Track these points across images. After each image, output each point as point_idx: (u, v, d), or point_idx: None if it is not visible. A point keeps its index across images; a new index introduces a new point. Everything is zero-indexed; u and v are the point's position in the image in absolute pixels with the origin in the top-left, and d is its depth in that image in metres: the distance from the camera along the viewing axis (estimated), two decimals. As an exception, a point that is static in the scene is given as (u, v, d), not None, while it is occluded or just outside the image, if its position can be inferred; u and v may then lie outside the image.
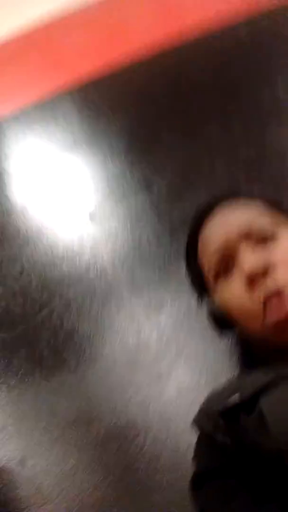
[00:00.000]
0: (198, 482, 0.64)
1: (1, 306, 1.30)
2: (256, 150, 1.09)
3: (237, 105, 1.17)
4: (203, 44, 1.28)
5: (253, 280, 0.68)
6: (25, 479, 1.00)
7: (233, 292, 0.72)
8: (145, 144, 1.35)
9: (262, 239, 0.72)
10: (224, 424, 0.63)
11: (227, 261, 0.74)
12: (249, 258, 0.69)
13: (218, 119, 1.20)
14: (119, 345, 1.10)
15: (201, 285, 0.82)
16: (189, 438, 0.73)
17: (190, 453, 0.71)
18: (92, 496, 0.93)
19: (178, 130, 1.28)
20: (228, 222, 0.76)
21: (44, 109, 1.61)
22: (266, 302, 0.66)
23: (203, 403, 0.70)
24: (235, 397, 0.63)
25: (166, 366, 1.01)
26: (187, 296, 1.08)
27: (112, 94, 1.48)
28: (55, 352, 1.18)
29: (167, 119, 1.31)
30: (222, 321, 0.77)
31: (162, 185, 1.26)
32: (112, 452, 0.96)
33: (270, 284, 0.67)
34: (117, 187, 1.35)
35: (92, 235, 1.31)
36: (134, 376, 1.03)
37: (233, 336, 0.85)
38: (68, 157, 1.49)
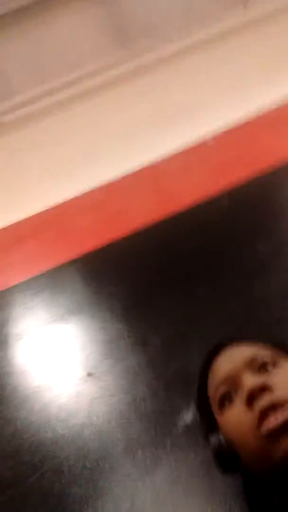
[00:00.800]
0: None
1: (-10, 468, 1.25)
2: (244, 302, 1.20)
3: (223, 265, 1.33)
4: (190, 216, 1.54)
5: (252, 397, 0.71)
6: None
7: (234, 413, 0.75)
8: (141, 306, 1.48)
9: (264, 367, 0.78)
10: None
11: (231, 391, 0.78)
12: (250, 379, 0.75)
13: (207, 279, 1.35)
14: (112, 509, 1.04)
15: (208, 420, 0.84)
16: None
17: None
18: None
19: (171, 292, 1.42)
20: (233, 356, 0.83)
21: (52, 276, 1.80)
22: (262, 415, 0.69)
23: None
24: None
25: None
26: (182, 454, 1.06)
27: (111, 263, 1.68)
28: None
29: (161, 283, 1.47)
30: (226, 457, 0.77)
31: (158, 343, 1.34)
32: None
33: (267, 398, 0.70)
34: (115, 347, 1.43)
35: (89, 394, 1.34)
36: None
37: (236, 478, 0.82)
38: (70, 320, 1.60)
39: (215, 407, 0.82)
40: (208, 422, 0.85)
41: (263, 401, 0.71)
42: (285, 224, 1.53)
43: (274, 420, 0.68)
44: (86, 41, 3.13)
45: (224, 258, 1.39)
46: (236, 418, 0.76)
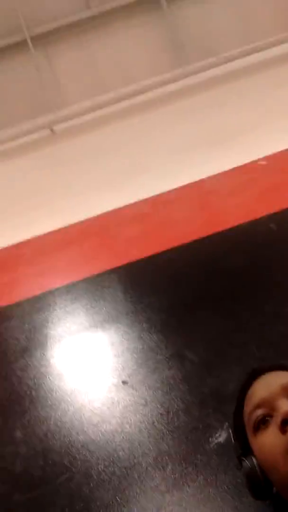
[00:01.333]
0: None
1: (22, 466, 1.28)
2: (284, 330, 1.19)
3: (267, 288, 1.33)
4: (236, 236, 1.54)
5: (286, 422, 0.72)
6: None
7: (268, 437, 0.76)
8: (180, 320, 1.49)
9: None
10: None
11: (266, 416, 0.78)
12: (286, 405, 0.75)
13: (250, 301, 1.34)
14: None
15: (242, 444, 0.84)
16: None
17: None
18: None
19: (212, 310, 1.42)
20: (270, 382, 0.84)
21: (93, 283, 1.85)
22: None
23: None
24: None
25: None
26: (213, 472, 1.06)
27: (153, 275, 1.70)
28: (69, 522, 1.12)
29: (201, 299, 1.48)
30: (259, 482, 0.78)
31: (195, 359, 1.34)
32: None
33: None
34: (151, 358, 1.45)
35: (123, 402, 1.35)
36: None
37: (266, 505, 0.81)
38: (108, 327, 1.63)
39: (249, 431, 0.82)
40: (242, 446, 0.85)
41: None
42: None
43: None
44: (143, 56, 3.21)
45: (269, 281, 1.39)
46: (269, 441, 0.76)
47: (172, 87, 2.88)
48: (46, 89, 3.27)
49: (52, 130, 3.26)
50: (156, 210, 2.17)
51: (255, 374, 0.90)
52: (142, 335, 1.54)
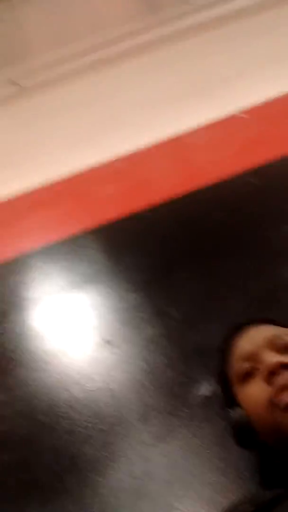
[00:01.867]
0: None
1: (6, 426, 1.28)
2: (268, 283, 1.19)
3: (248, 244, 1.32)
4: (216, 192, 1.51)
5: (272, 373, 0.73)
6: None
7: (254, 389, 0.77)
8: (162, 279, 1.48)
9: (285, 349, 0.79)
10: None
11: (253, 368, 0.80)
12: (271, 357, 0.77)
13: (231, 258, 1.34)
14: (125, 473, 1.06)
15: (228, 395, 0.85)
16: None
17: None
18: None
19: (193, 267, 1.41)
20: (255, 335, 0.85)
21: (70, 244, 1.80)
22: (282, 390, 0.70)
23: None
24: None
25: (174, 496, 0.96)
26: (198, 424, 1.08)
27: (132, 235, 1.67)
28: (56, 478, 1.13)
29: (182, 258, 1.46)
30: (244, 431, 0.79)
31: (177, 316, 1.34)
32: None
33: (286, 376, 0.72)
34: (134, 317, 1.44)
35: (106, 361, 1.35)
36: (140, 506, 0.97)
37: (251, 452, 0.83)
38: (88, 288, 1.61)
39: (235, 383, 0.83)
40: (227, 397, 0.87)
41: (283, 378, 0.72)
42: None
43: None
44: (114, 3, 3.04)
45: (250, 237, 1.37)
46: (255, 393, 0.77)
47: (145, 37, 2.75)
48: (10, 40, 3.08)
49: (18, 85, 3.09)
50: (132, 168, 2.11)
51: (239, 328, 0.90)
52: (123, 295, 1.52)
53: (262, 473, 0.87)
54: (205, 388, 1.12)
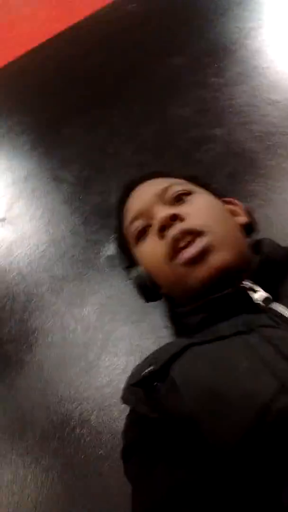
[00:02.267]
0: (127, 455, 0.63)
1: None
2: (160, 125, 1.10)
3: (134, 85, 1.18)
4: (94, 26, 1.29)
5: (163, 227, 0.70)
6: None
7: (148, 245, 0.75)
8: (49, 140, 1.33)
9: (176, 202, 0.76)
10: (143, 395, 0.63)
11: (145, 225, 0.77)
12: (161, 212, 0.73)
13: (119, 103, 1.20)
14: (45, 345, 1.07)
15: (128, 257, 0.84)
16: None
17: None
18: (40, 497, 0.89)
19: (80, 121, 1.27)
20: (144, 192, 0.80)
21: None
22: (175, 243, 0.68)
23: (127, 380, 0.69)
24: (150, 368, 0.64)
25: (94, 354, 0.99)
26: (107, 283, 1.07)
27: (8, 93, 1.45)
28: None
29: (66, 112, 1.30)
30: (147, 287, 0.79)
31: (72, 179, 1.24)
32: (51, 450, 0.93)
33: (178, 227, 0.69)
34: (27, 188, 1.32)
35: (6, 239, 1.27)
36: (64, 372, 1.00)
37: (159, 301, 0.84)
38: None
39: (132, 244, 0.81)
40: (127, 258, 0.85)
41: (175, 230, 0.70)
42: (200, 37, 1.33)
43: (191, 250, 0.67)
44: None
45: (136, 76, 1.22)
46: (150, 249, 0.75)
47: None
48: None
49: None
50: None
51: (129, 188, 0.85)
52: (11, 166, 1.38)
53: (170, 323, 0.90)
54: (109, 248, 1.09)
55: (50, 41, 1.41)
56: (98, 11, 1.43)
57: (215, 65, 1.10)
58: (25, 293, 1.16)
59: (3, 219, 1.28)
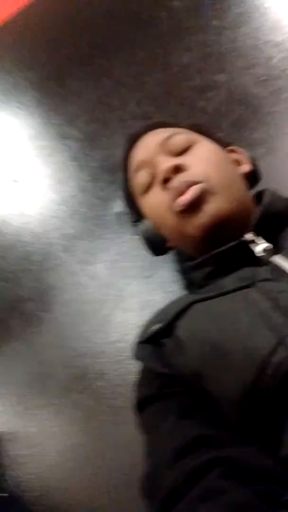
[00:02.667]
0: (140, 407, 0.66)
1: None
2: (163, 75, 1.05)
3: (136, 32, 1.12)
4: None
5: (167, 179, 0.69)
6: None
7: (153, 196, 0.74)
8: (54, 95, 1.29)
9: (179, 151, 0.74)
10: (152, 351, 0.65)
11: (149, 178, 0.75)
12: (164, 163, 0.71)
13: (121, 53, 1.15)
14: (60, 302, 1.10)
15: (135, 210, 0.83)
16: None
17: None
18: (64, 446, 0.95)
19: (83, 75, 1.23)
20: (148, 142, 0.78)
21: None
22: (177, 194, 0.67)
23: (137, 336, 0.71)
24: (157, 325, 0.66)
25: (108, 310, 1.01)
26: (117, 240, 1.08)
27: (13, 46, 1.40)
28: (1, 323, 1.16)
29: (70, 65, 1.26)
30: (154, 240, 0.79)
31: (78, 135, 1.22)
32: (72, 402, 0.97)
33: (180, 178, 0.68)
34: (36, 147, 1.31)
35: (18, 201, 1.27)
36: (79, 327, 1.03)
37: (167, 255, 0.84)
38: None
39: (138, 195, 0.79)
40: (134, 212, 0.84)
41: (177, 181, 0.68)
42: None
43: (186, 197, 0.65)
44: None
45: (137, 23, 1.15)
46: (154, 200, 0.74)
47: None
48: None
49: None
50: None
51: (133, 139, 0.83)
52: (19, 125, 1.35)
53: (179, 278, 0.90)
54: (117, 205, 1.08)
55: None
56: None
57: (217, 7, 1.02)
58: (39, 253, 1.17)
59: (15, 180, 1.28)
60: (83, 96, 1.26)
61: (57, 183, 1.21)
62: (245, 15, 1.00)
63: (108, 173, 1.12)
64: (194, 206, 0.65)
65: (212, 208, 0.65)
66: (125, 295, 1.00)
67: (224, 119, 0.94)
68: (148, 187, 0.76)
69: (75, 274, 1.10)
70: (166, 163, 0.70)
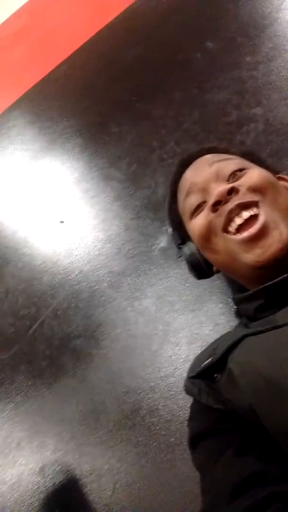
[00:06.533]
0: (194, 442, 0.65)
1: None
2: (198, 113, 1.09)
3: (171, 72, 1.17)
4: (128, 20, 1.28)
5: (220, 202, 0.70)
6: (46, 487, 1.01)
7: (201, 218, 0.75)
8: (98, 140, 1.36)
9: (231, 177, 0.75)
10: (204, 386, 0.65)
11: (200, 201, 0.77)
12: (218, 187, 0.72)
13: (160, 96, 1.20)
14: (110, 338, 1.11)
15: (181, 234, 0.84)
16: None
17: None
18: (116, 484, 0.94)
19: (125, 115, 1.29)
20: (199, 166, 0.80)
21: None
22: (229, 215, 0.68)
23: (188, 371, 0.71)
24: (209, 359, 0.65)
25: (156, 345, 1.01)
26: (163, 275, 1.09)
27: (57, 95, 1.49)
28: (53, 360, 1.19)
29: (112, 108, 1.33)
30: (197, 262, 0.80)
31: (120, 177, 1.27)
32: (124, 439, 0.97)
33: (235, 200, 0.69)
34: (81, 190, 1.37)
35: (65, 241, 1.32)
36: (129, 363, 1.04)
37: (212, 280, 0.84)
38: (31, 168, 1.50)
39: (186, 219, 0.80)
40: (180, 235, 0.85)
41: (231, 204, 0.69)
42: (232, 18, 1.29)
43: (251, 230, 0.66)
44: None
45: (173, 64, 1.21)
46: (202, 221, 0.74)
47: None
48: None
49: None
50: (35, 21, 1.81)
51: (185, 163, 0.85)
52: (64, 168, 1.43)
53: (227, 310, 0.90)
54: (162, 241, 1.11)
55: (90, 42, 1.43)
56: (131, 5, 1.43)
57: (250, 43, 1.06)
58: (87, 290, 1.21)
59: (62, 221, 1.34)
60: (124, 139, 1.32)
61: (102, 223, 1.26)
62: (277, 49, 1.03)
63: (151, 211, 1.16)
64: (257, 237, 0.66)
65: (274, 241, 0.65)
66: (173, 329, 1.00)
67: (264, 150, 0.96)
68: (197, 210, 0.77)
69: (122, 310, 1.12)
70: (220, 187, 0.71)
